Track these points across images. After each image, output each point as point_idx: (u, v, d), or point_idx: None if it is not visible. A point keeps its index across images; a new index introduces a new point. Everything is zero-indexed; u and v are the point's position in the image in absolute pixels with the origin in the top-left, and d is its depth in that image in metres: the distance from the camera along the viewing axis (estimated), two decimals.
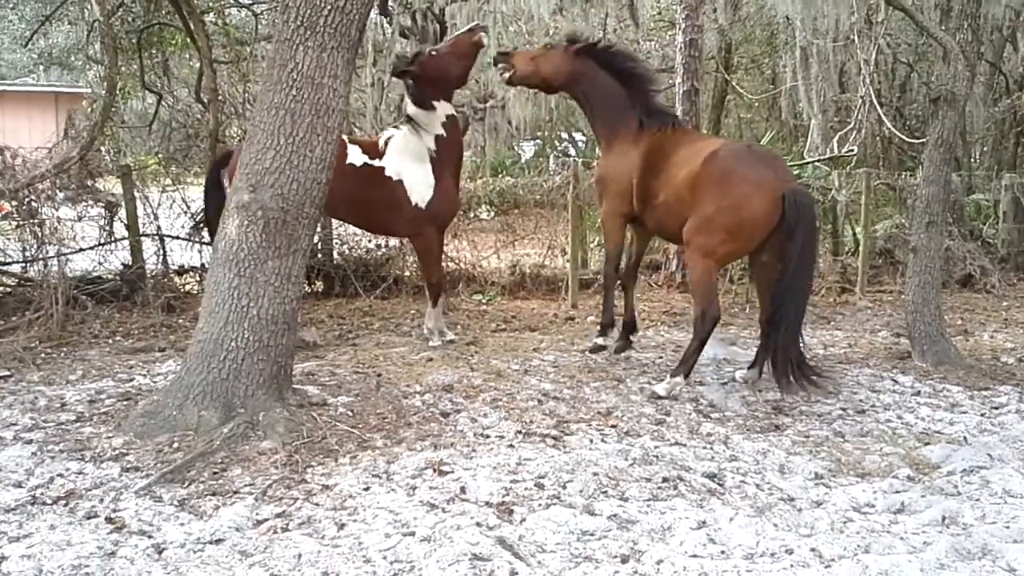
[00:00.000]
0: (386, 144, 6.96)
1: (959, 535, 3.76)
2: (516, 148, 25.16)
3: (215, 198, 6.85)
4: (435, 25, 17.50)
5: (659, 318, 8.82)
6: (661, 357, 6.99)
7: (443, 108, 6.88)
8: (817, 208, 5.81)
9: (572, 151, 28.43)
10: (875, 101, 11.30)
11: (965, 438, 5.14)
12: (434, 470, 4.30)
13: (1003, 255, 12.26)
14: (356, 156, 6.87)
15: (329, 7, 4.82)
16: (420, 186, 6.83)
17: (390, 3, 16.63)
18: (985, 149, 18.14)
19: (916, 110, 16.36)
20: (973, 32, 7.19)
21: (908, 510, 4.06)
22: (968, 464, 4.62)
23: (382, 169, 6.85)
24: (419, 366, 6.50)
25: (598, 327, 7.10)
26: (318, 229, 7.74)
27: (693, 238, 5.94)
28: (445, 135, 6.89)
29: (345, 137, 6.84)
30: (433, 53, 6.95)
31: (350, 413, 5.15)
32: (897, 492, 4.25)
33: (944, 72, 7.12)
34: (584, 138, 28.81)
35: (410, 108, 6.90)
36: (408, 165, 6.83)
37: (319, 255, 9.31)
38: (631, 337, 7.01)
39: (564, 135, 28.90)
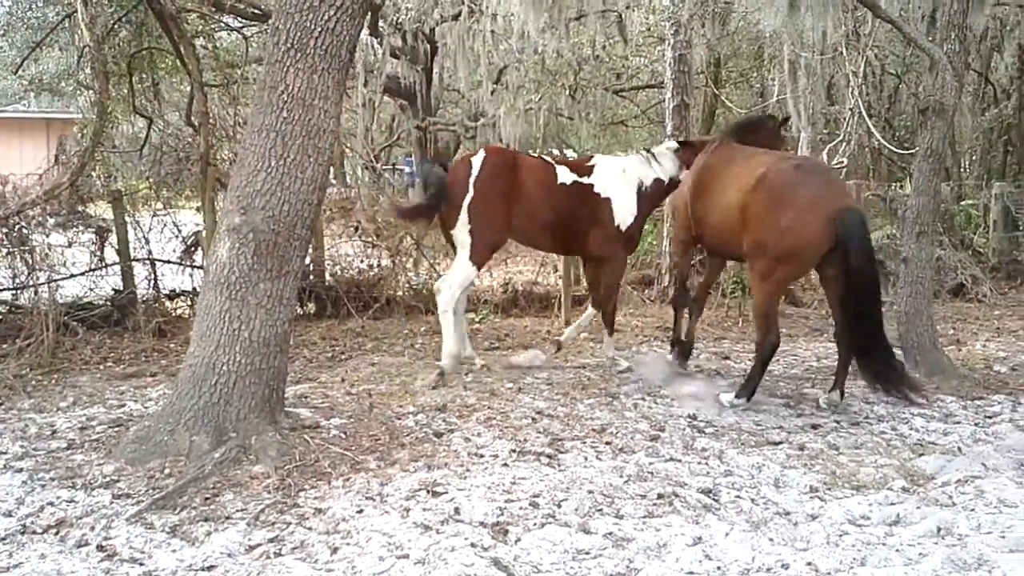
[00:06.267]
0: (594, 166, 7.23)
1: (954, 546, 3.76)
2: None
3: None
4: (425, 45, 17.60)
5: (652, 333, 8.81)
6: (656, 374, 6.96)
7: (684, 174, 7.18)
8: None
9: None
10: (864, 113, 11.36)
11: (959, 448, 5.14)
12: (428, 491, 4.28)
13: (994, 264, 12.30)
14: (565, 176, 7.08)
15: (319, 29, 4.84)
16: (625, 209, 7.09)
17: (380, 24, 16.72)
18: (974, 158, 18.26)
19: (905, 121, 16.49)
20: (960, 42, 7.20)
21: (903, 522, 4.05)
22: (963, 474, 4.63)
23: (591, 186, 7.08)
24: (412, 386, 6.48)
25: (671, 345, 7.28)
26: (309, 250, 7.74)
27: (751, 263, 6.00)
28: (665, 184, 7.25)
29: (550, 159, 7.44)
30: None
31: (343, 435, 5.13)
32: (892, 504, 4.25)
33: (932, 83, 7.14)
34: (575, 155, 28.97)
35: (665, 150, 7.35)
36: (618, 187, 7.12)
37: (311, 276, 9.29)
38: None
39: (556, 151, 29.03)
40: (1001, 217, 12.56)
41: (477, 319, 9.30)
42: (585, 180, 7.08)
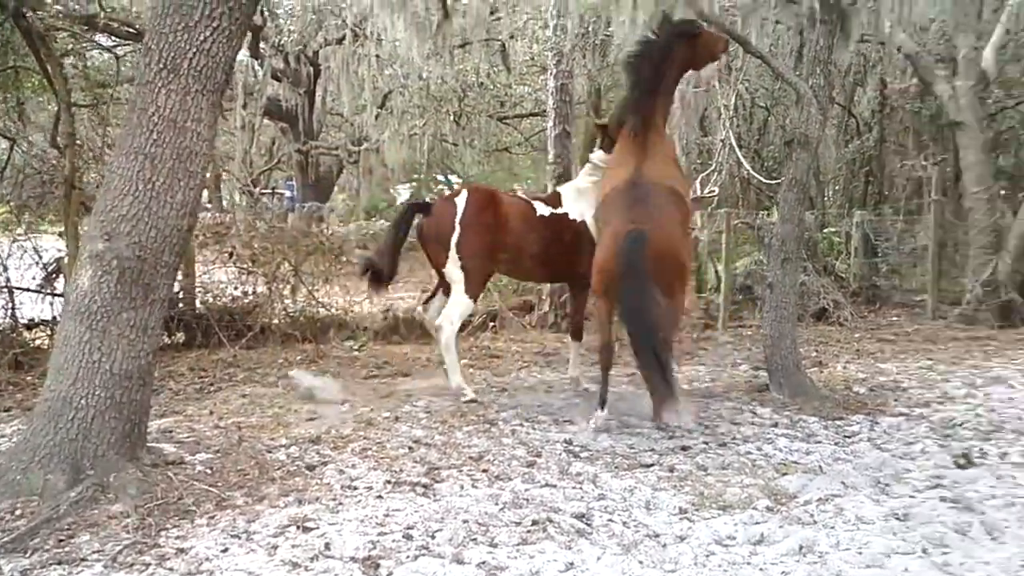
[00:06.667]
0: (560, 195, 7.65)
1: (815, 563, 3.89)
2: (392, 191, 25.10)
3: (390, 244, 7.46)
4: (308, 68, 17.40)
5: (532, 359, 8.89)
6: (535, 400, 7.03)
7: None
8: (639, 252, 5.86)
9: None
10: (734, 144, 11.83)
11: (820, 467, 5.32)
12: (297, 527, 4.18)
13: (854, 289, 12.98)
14: (543, 209, 7.47)
15: (194, 49, 4.72)
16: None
17: (262, 45, 16.43)
18: (837, 188, 19.20)
19: (773, 152, 17.21)
20: (825, 77, 7.51)
21: (767, 541, 4.17)
22: (823, 493, 4.79)
23: (566, 214, 7.43)
24: (285, 418, 6.34)
25: None
26: (179, 277, 7.50)
27: None
28: None
29: (524, 196, 7.85)
30: None
31: (209, 471, 4.97)
32: (757, 523, 4.37)
33: (797, 116, 7.47)
34: (460, 180, 29.06)
35: (597, 156, 7.54)
36: (587, 207, 7.31)
37: (180, 304, 8.99)
38: None
39: (440, 177, 29.06)
40: (861, 244, 13.30)
41: (356, 347, 9.18)
42: (560, 211, 7.46)
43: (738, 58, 12.01)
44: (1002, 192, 17.59)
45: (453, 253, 7.06)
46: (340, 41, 16.17)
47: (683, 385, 7.78)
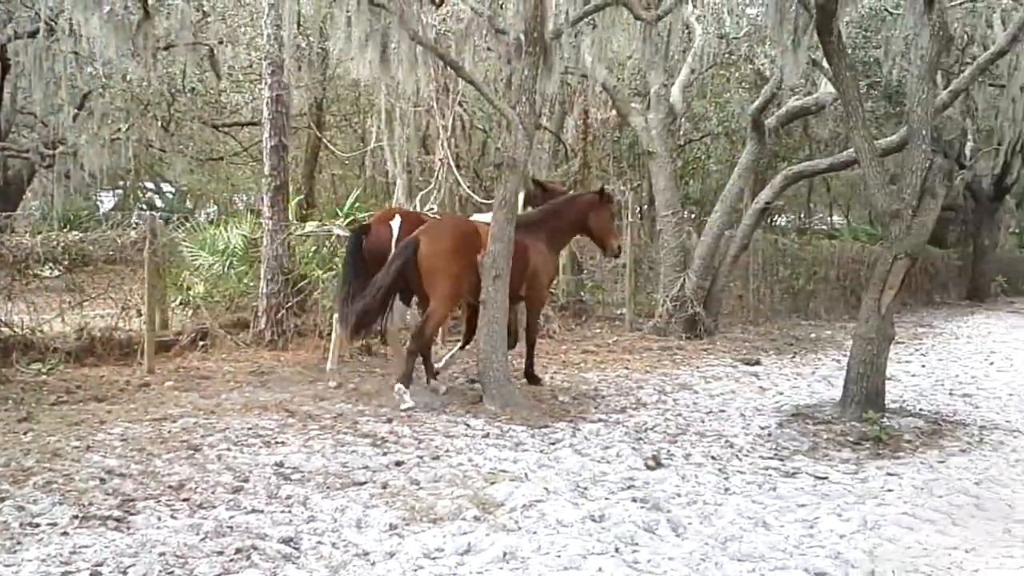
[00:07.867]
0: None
1: (518, 569, 4.07)
2: (93, 198, 23.16)
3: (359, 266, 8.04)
4: None
5: (245, 379, 8.53)
6: (246, 422, 6.75)
7: None
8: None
9: (159, 202, 26.95)
10: (452, 163, 12.15)
11: (526, 475, 5.57)
12: None
13: (563, 303, 13.79)
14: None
15: None
16: None
17: None
18: None
19: (491, 173, 17.93)
20: (531, 105, 7.90)
21: (474, 550, 4.29)
22: (528, 499, 5.02)
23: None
24: None
25: None
26: None
27: None
28: None
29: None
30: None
31: None
32: (464, 534, 4.48)
33: (507, 139, 7.80)
34: (173, 189, 27.42)
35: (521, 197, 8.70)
36: None
37: None
38: None
39: (150, 185, 27.31)
40: (569, 261, 14.15)
41: (44, 370, 8.31)
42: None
43: (456, 81, 12.37)
44: (690, 216, 19.58)
45: None
46: (33, 35, 14.77)
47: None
